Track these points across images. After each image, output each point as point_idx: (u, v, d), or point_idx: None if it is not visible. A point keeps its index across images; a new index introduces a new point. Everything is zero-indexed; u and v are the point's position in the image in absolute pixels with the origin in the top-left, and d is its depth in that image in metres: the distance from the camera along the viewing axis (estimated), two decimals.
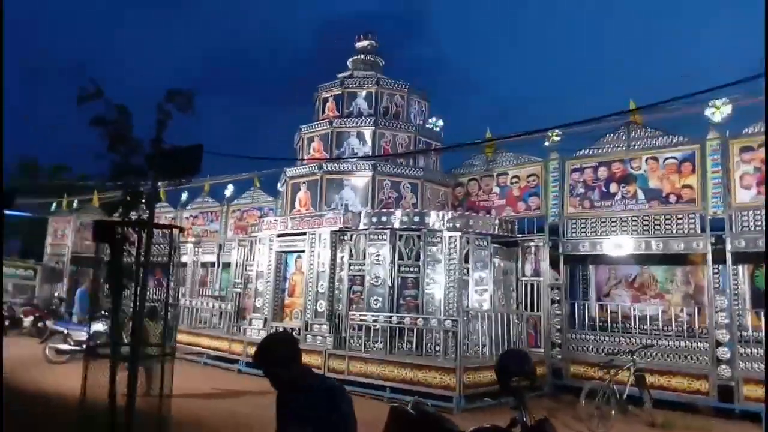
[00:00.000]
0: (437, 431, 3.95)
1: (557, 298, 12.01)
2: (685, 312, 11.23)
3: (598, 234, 11.90)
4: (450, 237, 11.33)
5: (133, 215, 4.63)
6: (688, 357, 10.32)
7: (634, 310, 11.55)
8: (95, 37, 75.50)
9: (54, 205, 24.66)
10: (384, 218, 11.75)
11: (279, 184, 15.65)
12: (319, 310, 12.01)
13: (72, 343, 12.33)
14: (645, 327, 11.19)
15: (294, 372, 2.94)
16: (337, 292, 12.08)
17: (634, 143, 11.85)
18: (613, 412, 8.37)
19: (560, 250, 12.17)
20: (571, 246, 12.14)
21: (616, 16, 77.48)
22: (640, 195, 11.59)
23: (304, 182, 13.83)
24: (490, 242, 11.86)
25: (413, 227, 11.59)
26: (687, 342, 10.51)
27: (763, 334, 9.57)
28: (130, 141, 4.60)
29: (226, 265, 16.93)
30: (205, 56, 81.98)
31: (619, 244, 11.52)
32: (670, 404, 9.85)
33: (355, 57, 15.59)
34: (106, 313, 4.65)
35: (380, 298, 11.37)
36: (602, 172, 12.09)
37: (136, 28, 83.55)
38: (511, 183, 13.54)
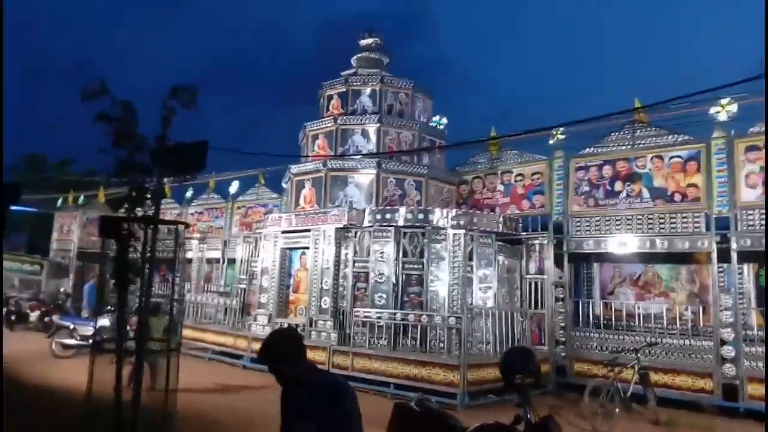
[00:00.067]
0: (441, 428, 3.96)
1: (561, 296, 12.00)
2: (689, 310, 11.22)
3: (603, 232, 11.88)
4: (454, 234, 11.33)
5: (139, 211, 4.66)
6: (693, 355, 10.30)
7: (639, 308, 11.53)
8: (95, 37, 75.62)
9: (60, 200, 24.76)
10: (388, 215, 11.76)
11: (283, 181, 15.67)
12: (324, 306, 12.04)
13: (78, 338, 12.40)
14: (649, 325, 11.17)
15: (298, 368, 2.96)
16: (341, 288, 12.10)
17: (639, 142, 11.82)
18: (617, 410, 8.38)
19: (564, 248, 12.16)
20: (576, 244, 12.12)
21: (616, 16, 77.28)
22: (645, 193, 11.56)
23: (308, 179, 13.85)
24: (495, 240, 11.85)
25: (417, 225, 11.60)
26: (691, 340, 10.48)
27: (765, 332, 9.56)
28: (135, 137, 4.63)
29: (231, 262, 16.95)
30: (205, 56, 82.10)
31: (624, 243, 11.50)
32: (675, 402, 9.84)
33: (360, 55, 15.57)
34: (112, 309, 4.68)
35: (384, 295, 11.39)
36: (607, 170, 12.06)
37: (137, 28, 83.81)
38: (516, 181, 13.53)
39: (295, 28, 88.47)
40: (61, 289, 20.56)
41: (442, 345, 10.55)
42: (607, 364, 9.42)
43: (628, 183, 11.77)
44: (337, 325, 11.77)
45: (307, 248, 12.76)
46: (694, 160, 11.06)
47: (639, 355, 9.37)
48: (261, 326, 12.95)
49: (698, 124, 11.11)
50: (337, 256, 12.16)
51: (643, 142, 11.77)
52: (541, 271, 12.37)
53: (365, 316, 11.25)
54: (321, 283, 12.16)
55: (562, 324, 11.82)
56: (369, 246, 11.83)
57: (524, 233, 12.65)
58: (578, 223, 12.24)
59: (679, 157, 11.27)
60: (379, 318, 11.07)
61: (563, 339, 11.75)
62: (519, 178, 13.47)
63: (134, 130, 4.63)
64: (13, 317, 17.60)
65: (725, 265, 10.51)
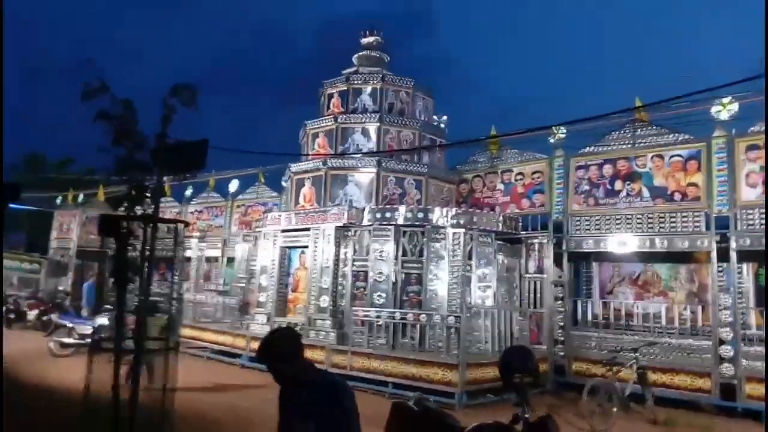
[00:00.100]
0: (439, 427, 3.95)
1: (560, 295, 12.00)
2: (688, 310, 11.22)
3: (603, 231, 11.88)
4: (454, 233, 11.33)
5: (139, 210, 4.65)
6: (691, 355, 10.30)
7: (638, 307, 11.54)
8: (95, 37, 75.50)
9: (59, 199, 24.75)
10: (388, 214, 11.75)
11: (283, 180, 15.66)
12: (323, 305, 12.04)
13: (76, 337, 12.39)
14: (648, 324, 11.17)
15: (297, 367, 2.95)
16: (340, 287, 12.09)
17: (639, 141, 11.81)
18: (615, 409, 8.37)
19: (564, 248, 12.16)
20: (575, 243, 12.12)
21: (616, 16, 77.27)
22: (645, 193, 11.55)
23: (308, 178, 13.84)
24: (494, 239, 11.85)
25: (417, 224, 11.59)
26: (690, 340, 10.49)
27: (764, 332, 9.55)
28: (135, 136, 4.62)
29: (231, 260, 16.96)
30: (205, 56, 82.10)
31: (624, 242, 11.50)
32: (673, 402, 9.85)
33: (360, 53, 15.55)
34: (111, 307, 4.68)
35: (383, 294, 11.39)
36: (607, 169, 12.06)
37: (137, 28, 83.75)
38: (516, 180, 13.52)
39: (295, 28, 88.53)
40: (60, 288, 20.55)
41: (440, 344, 10.55)
42: (605, 364, 9.42)
43: (628, 182, 11.76)
44: (336, 324, 11.76)
45: (307, 247, 12.76)
46: (695, 159, 11.06)
47: (637, 354, 9.37)
48: (260, 325, 12.94)
49: (699, 123, 11.10)
50: (337, 255, 12.16)
51: (643, 141, 11.76)
52: (540, 270, 12.37)
53: (364, 315, 11.24)
54: (320, 282, 12.16)
55: (561, 323, 11.82)
56: (368, 245, 11.82)
57: (524, 232, 12.66)
58: (578, 222, 12.23)
59: (679, 156, 11.26)
60: (378, 317, 11.07)
61: (562, 338, 11.75)
62: (519, 177, 13.47)
63: (134, 128, 4.62)
64: (11, 316, 17.60)
65: (724, 265, 10.49)
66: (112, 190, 20.51)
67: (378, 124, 13.65)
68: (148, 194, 4.70)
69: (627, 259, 12.12)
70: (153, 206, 4.69)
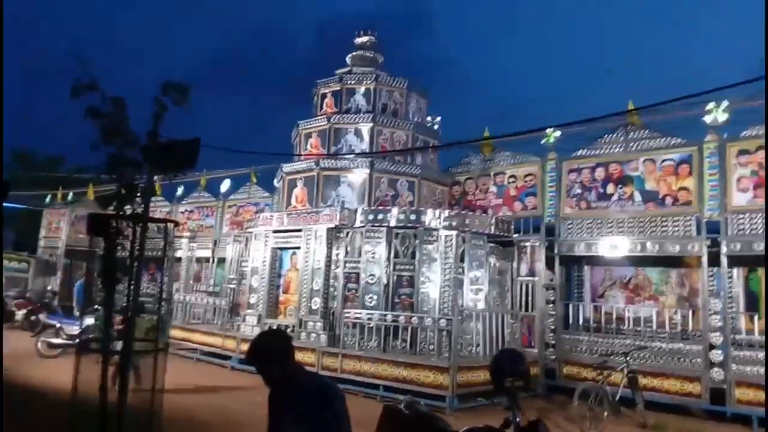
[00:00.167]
0: (430, 431, 3.93)
1: (552, 298, 12.01)
2: (679, 314, 11.26)
3: (594, 235, 11.90)
4: (446, 236, 11.31)
5: (128, 209, 4.59)
6: (681, 359, 10.32)
7: (629, 311, 11.56)
8: (95, 37, 75.12)
9: (48, 197, 24.54)
10: (380, 216, 11.73)
11: (275, 180, 15.60)
12: (314, 307, 11.98)
13: (64, 337, 12.26)
14: (639, 328, 11.20)
15: (287, 369, 2.93)
16: (332, 289, 12.04)
17: (631, 144, 11.85)
18: (605, 413, 8.39)
19: (556, 251, 12.17)
20: (567, 247, 12.13)
21: (616, 16, 77.72)
22: (637, 197, 11.59)
23: (300, 178, 13.79)
24: (486, 242, 11.85)
25: (409, 225, 11.57)
26: (680, 344, 10.51)
27: (764, 336, 9.58)
28: (125, 134, 4.56)
29: (221, 261, 16.87)
30: (205, 56, 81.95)
31: (615, 246, 11.53)
32: (663, 406, 9.88)
33: (354, 53, 15.53)
34: (99, 308, 4.62)
35: (375, 296, 11.35)
36: (599, 173, 12.09)
37: (137, 28, 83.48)
38: (508, 182, 13.54)
39: (294, 28, 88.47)
40: (48, 288, 20.36)
41: (432, 347, 10.53)
42: (596, 368, 9.43)
43: (620, 186, 11.80)
44: (327, 326, 11.71)
45: (298, 248, 12.70)
46: (686, 163, 11.11)
47: (628, 358, 9.41)
48: (250, 327, 12.86)
49: (692, 127, 11.15)
50: (328, 256, 12.11)
51: (635, 144, 11.80)
52: (532, 273, 12.38)
53: (355, 318, 11.20)
54: (311, 284, 12.10)
55: (553, 327, 11.83)
56: (360, 246, 11.79)
57: (516, 235, 12.66)
58: (570, 226, 12.26)
59: (671, 160, 11.31)
60: (369, 319, 11.02)
61: (553, 342, 11.76)
62: (512, 179, 13.48)
63: (125, 126, 4.56)
64: None
65: (715, 269, 10.55)
66: (101, 188, 20.38)
67: (371, 124, 13.63)
68: (138, 193, 4.64)
69: (618, 262, 12.15)
70: (143, 205, 4.64)
